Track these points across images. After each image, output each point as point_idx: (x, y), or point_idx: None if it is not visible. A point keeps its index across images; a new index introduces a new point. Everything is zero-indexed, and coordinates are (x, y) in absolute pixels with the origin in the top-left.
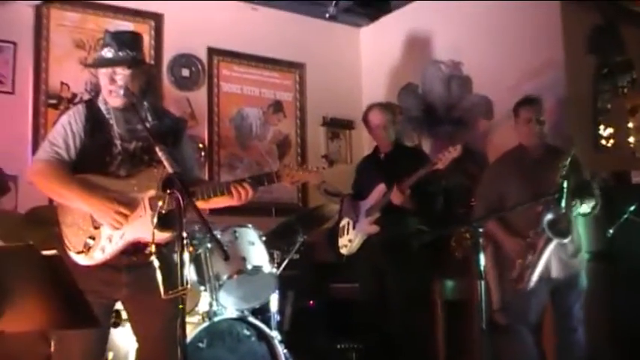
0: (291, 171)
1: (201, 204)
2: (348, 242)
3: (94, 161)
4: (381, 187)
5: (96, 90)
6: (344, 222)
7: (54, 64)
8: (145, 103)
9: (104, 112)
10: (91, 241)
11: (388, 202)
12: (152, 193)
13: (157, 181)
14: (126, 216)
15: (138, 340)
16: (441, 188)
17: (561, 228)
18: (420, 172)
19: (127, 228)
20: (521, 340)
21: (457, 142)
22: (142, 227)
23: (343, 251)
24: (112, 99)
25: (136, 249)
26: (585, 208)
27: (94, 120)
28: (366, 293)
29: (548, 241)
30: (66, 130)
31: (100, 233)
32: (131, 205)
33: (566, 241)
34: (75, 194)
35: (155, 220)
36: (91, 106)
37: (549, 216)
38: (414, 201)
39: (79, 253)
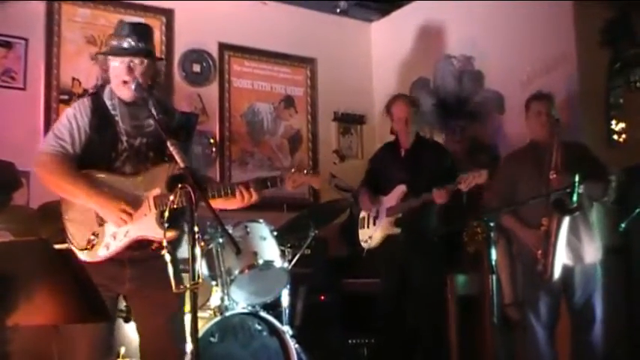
0: (292, 175)
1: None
2: (369, 238)
3: (99, 157)
4: (401, 189)
5: (102, 83)
6: (364, 213)
7: (65, 59)
8: (152, 98)
9: (110, 107)
10: (94, 238)
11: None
12: (157, 191)
13: (163, 179)
14: (131, 215)
15: (140, 335)
16: None
17: (567, 204)
18: (449, 187)
19: (131, 226)
20: (534, 336)
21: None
22: (147, 225)
23: (364, 246)
24: (123, 91)
25: (140, 245)
26: (592, 192)
27: (100, 114)
28: (388, 287)
29: (560, 222)
30: (71, 123)
31: (104, 230)
32: (136, 203)
33: (575, 214)
34: (80, 191)
35: (165, 217)
36: (97, 99)
37: (554, 196)
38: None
39: (82, 249)
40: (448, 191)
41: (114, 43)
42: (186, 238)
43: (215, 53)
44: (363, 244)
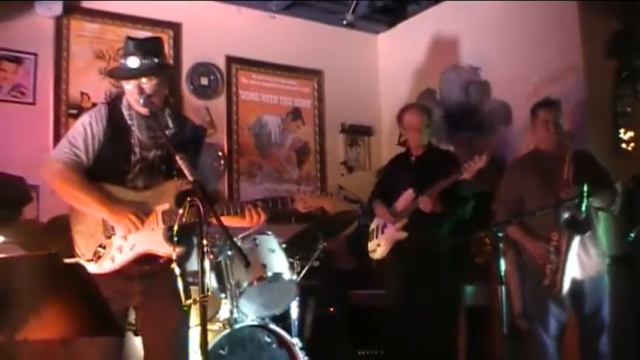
0: (304, 196)
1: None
2: (377, 247)
3: (112, 169)
4: (409, 193)
5: (119, 93)
6: (374, 225)
7: (74, 74)
8: (168, 109)
9: (126, 116)
10: (101, 250)
11: (417, 209)
12: (166, 206)
13: (172, 194)
14: (142, 220)
15: (144, 348)
16: (472, 192)
17: (579, 223)
18: (444, 182)
19: (137, 239)
20: (542, 347)
21: (482, 151)
22: (153, 240)
23: (373, 255)
24: (139, 107)
25: (148, 259)
26: (601, 201)
27: (115, 124)
28: (394, 299)
29: (570, 239)
30: (86, 130)
31: (112, 243)
32: (146, 215)
33: (587, 234)
34: (92, 199)
35: (174, 232)
36: (114, 108)
37: (566, 214)
38: (445, 206)
39: (88, 261)
40: (433, 196)
41: (122, 61)
42: (195, 251)
43: (222, 66)
44: (371, 254)
